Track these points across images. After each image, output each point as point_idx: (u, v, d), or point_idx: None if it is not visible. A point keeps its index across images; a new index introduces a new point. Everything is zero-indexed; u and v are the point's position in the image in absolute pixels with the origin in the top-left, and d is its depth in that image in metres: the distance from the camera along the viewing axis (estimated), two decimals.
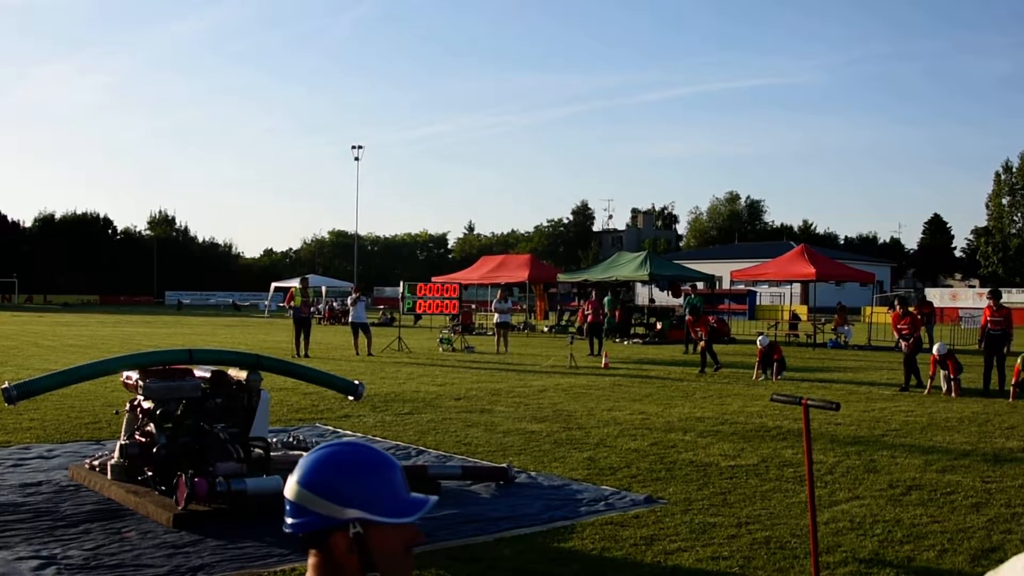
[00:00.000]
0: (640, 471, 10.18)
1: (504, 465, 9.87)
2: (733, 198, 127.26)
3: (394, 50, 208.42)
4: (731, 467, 10.45)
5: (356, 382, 10.42)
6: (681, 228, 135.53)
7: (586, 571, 6.64)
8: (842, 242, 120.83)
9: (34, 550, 7.05)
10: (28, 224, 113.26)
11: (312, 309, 31.12)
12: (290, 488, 1.98)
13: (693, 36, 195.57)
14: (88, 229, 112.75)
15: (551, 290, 51.05)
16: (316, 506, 1.94)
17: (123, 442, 9.05)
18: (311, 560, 1.99)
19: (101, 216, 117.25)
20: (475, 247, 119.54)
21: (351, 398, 10.53)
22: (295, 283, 29.70)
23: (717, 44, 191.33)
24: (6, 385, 8.26)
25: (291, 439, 10.33)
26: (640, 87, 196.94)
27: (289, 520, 1.98)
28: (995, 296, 19.61)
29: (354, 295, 29.00)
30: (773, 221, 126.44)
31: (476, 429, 13.02)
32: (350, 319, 28.48)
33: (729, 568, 6.71)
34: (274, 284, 65.69)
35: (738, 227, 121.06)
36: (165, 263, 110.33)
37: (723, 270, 54.23)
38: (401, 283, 32.97)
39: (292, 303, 27.38)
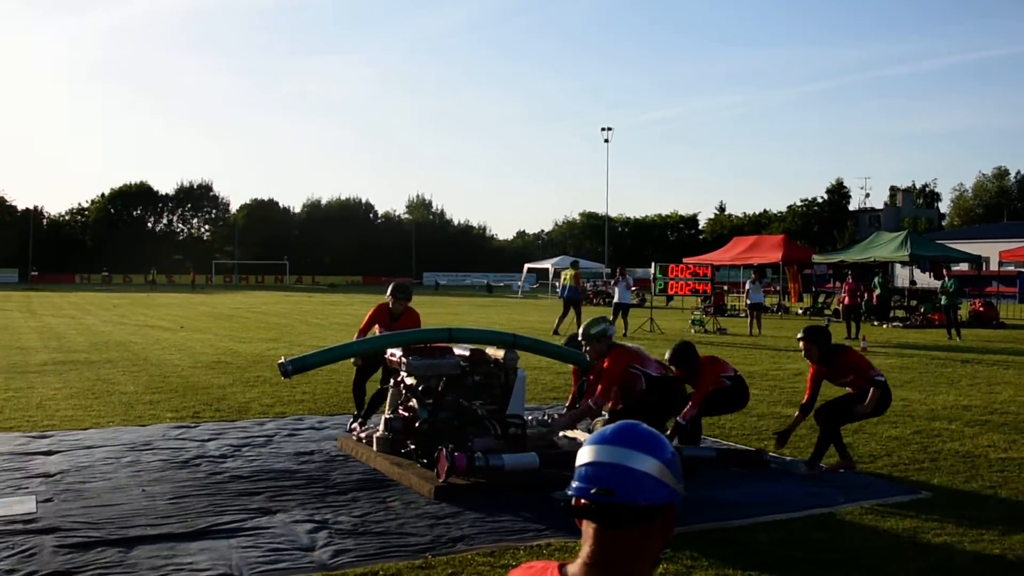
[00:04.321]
0: (901, 460, 9.81)
1: (758, 448, 9.74)
2: (1001, 174, 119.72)
3: (634, 32, 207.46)
4: (1001, 459, 9.90)
5: None
6: (944, 206, 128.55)
7: (845, 561, 6.46)
8: None
9: (308, 514, 7.52)
10: (297, 210, 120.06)
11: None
12: (646, 462, 1.95)
13: (951, 1, 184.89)
14: (351, 213, 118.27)
15: (805, 271, 49.67)
16: (668, 480, 1.95)
17: (388, 416, 9.49)
18: (613, 536, 1.93)
19: (363, 201, 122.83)
20: (726, 227, 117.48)
21: None
22: (546, 264, 30.20)
23: (978, 10, 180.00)
24: (282, 360, 8.83)
25: (546, 417, 10.51)
26: (897, 59, 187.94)
27: (637, 493, 1.92)
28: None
29: (616, 276, 29.26)
30: None
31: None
32: (615, 300, 28.70)
33: (1000, 567, 6.39)
34: (527, 265, 66.87)
35: (1007, 205, 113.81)
36: (422, 245, 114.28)
37: (990, 250, 51.26)
38: (652, 264, 32.92)
39: (566, 283, 28.18)
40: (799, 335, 9.65)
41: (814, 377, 9.53)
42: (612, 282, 29.98)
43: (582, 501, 1.96)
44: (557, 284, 28.83)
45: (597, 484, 1.94)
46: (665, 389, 9.31)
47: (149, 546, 6.62)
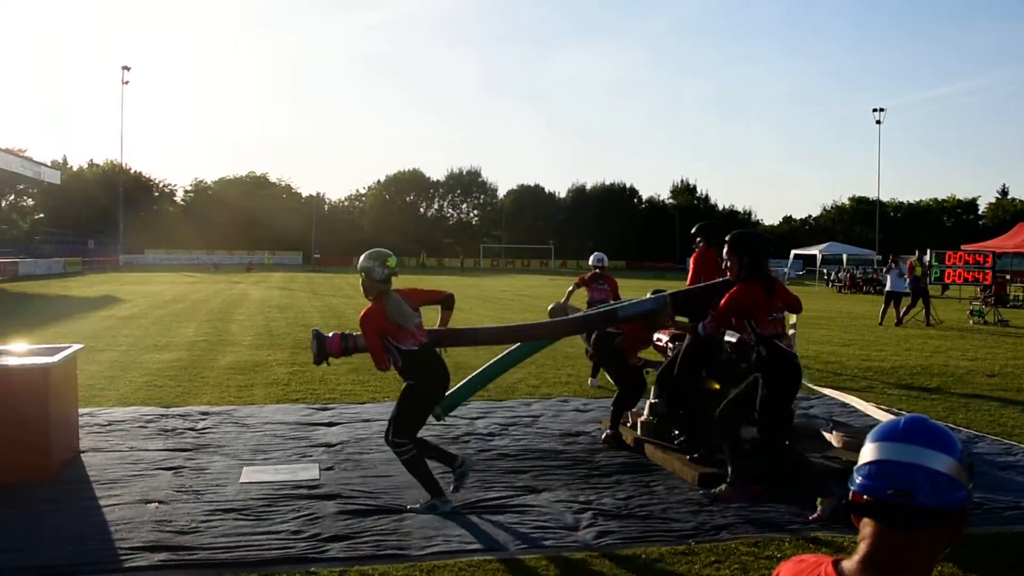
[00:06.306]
0: None
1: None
2: None
3: (905, 8, 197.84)
4: None
5: None
6: None
7: None
8: None
9: (572, 495, 7.65)
10: (562, 195, 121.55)
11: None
12: (944, 461, 1.85)
13: None
14: (615, 199, 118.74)
15: None
16: (963, 480, 1.86)
17: (653, 401, 9.49)
18: (900, 537, 1.85)
19: (627, 186, 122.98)
20: (1009, 212, 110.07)
21: None
22: (814, 250, 29.25)
23: None
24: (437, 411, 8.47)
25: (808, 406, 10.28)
26: None
27: (935, 495, 1.83)
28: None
29: (888, 263, 28.18)
30: None
31: (1013, 409, 12.13)
32: (887, 288, 27.68)
33: None
34: (793, 251, 65.14)
35: None
36: (687, 230, 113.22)
37: None
38: (928, 251, 31.43)
39: (912, 274, 27.56)
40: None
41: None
42: (884, 270, 28.74)
43: (864, 497, 1.89)
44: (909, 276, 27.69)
45: (894, 485, 1.85)
46: (417, 368, 7.41)
47: (421, 517, 6.92)
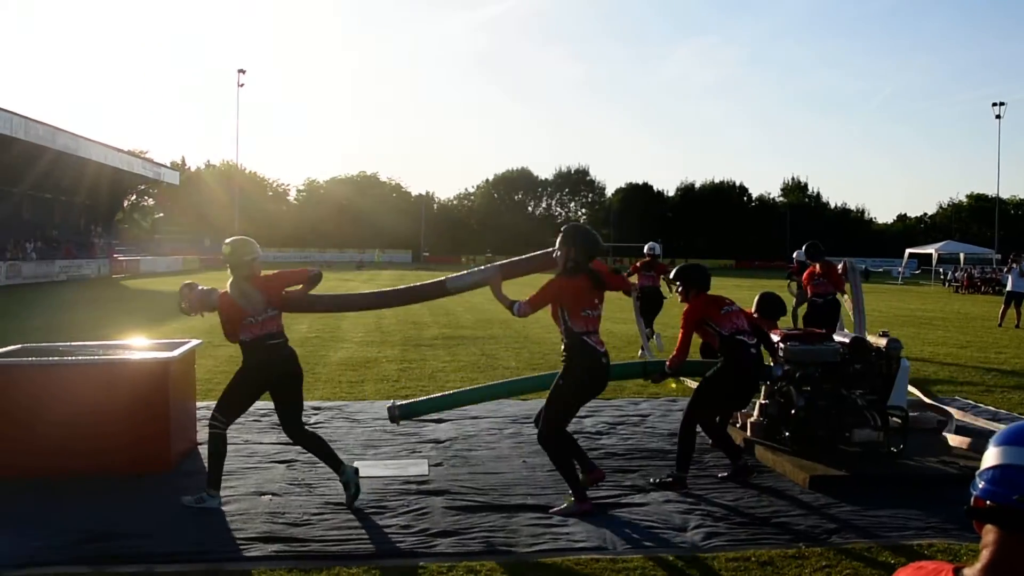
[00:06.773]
0: None
1: None
2: None
3: None
4: None
5: None
6: None
7: None
8: None
9: (680, 495, 7.59)
10: (671, 193, 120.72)
11: None
12: None
13: None
14: (725, 197, 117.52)
15: None
16: None
17: (763, 402, 9.37)
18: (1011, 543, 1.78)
19: (737, 184, 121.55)
20: None
21: None
22: (929, 249, 28.47)
23: None
24: (391, 404, 8.70)
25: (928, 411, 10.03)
26: None
27: None
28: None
29: (1009, 262, 27.33)
30: None
31: None
32: (1007, 288, 26.84)
33: None
34: (908, 250, 63.62)
35: None
36: (798, 229, 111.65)
37: None
38: None
39: None
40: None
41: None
42: (1004, 269, 27.83)
43: (987, 503, 1.82)
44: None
45: (1019, 490, 1.77)
46: (245, 355, 7.44)
47: (529, 514, 6.96)
